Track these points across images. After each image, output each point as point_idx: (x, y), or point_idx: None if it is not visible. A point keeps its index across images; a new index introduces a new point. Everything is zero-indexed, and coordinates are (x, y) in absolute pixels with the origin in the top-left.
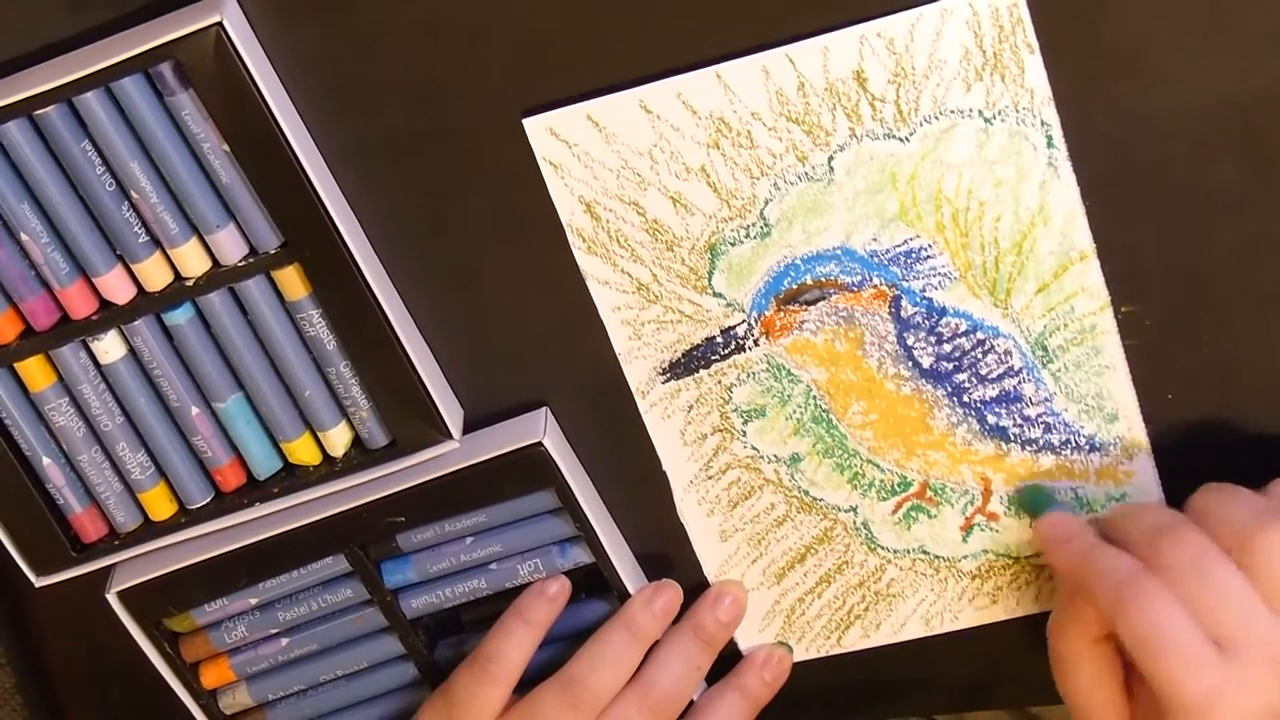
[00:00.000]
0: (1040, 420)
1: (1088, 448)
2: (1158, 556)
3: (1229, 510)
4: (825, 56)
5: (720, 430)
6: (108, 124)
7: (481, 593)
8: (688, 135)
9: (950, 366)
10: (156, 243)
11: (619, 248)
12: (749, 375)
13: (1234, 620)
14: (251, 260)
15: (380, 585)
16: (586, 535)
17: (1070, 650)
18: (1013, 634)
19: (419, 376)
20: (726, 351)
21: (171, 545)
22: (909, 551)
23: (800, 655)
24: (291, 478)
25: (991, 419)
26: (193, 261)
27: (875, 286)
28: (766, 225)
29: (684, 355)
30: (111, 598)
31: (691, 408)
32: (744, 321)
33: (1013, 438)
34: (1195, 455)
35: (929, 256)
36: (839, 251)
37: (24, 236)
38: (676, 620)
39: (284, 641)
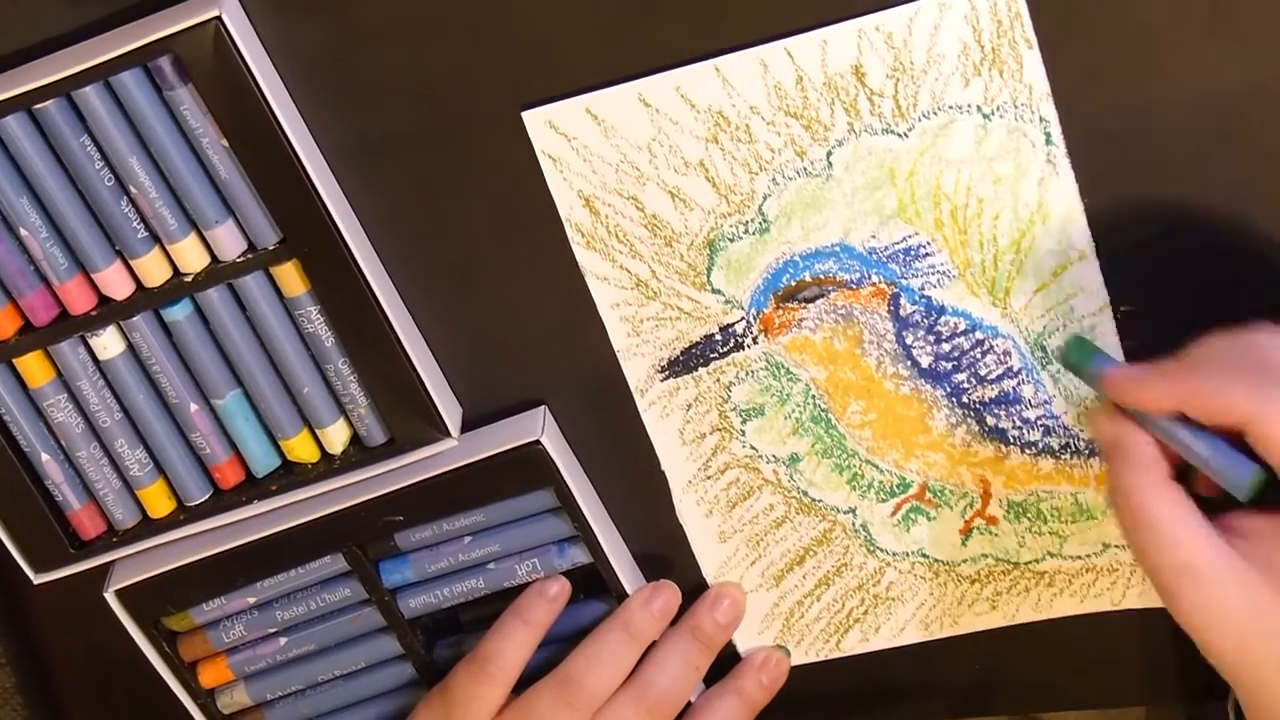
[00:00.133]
0: (1040, 423)
1: (1087, 452)
2: (1274, 362)
3: None
4: (824, 50)
5: (719, 429)
6: (107, 119)
7: (479, 592)
8: (686, 129)
9: (949, 366)
10: (155, 238)
11: (618, 243)
12: (748, 373)
13: None
14: (250, 256)
15: (378, 585)
16: (584, 535)
17: (1141, 495)
18: (1012, 640)
19: (417, 374)
20: (725, 349)
21: (169, 543)
22: (908, 554)
23: (799, 659)
24: (290, 475)
25: (991, 420)
26: (191, 257)
27: (874, 284)
28: (765, 221)
29: (683, 353)
30: (110, 596)
31: (690, 406)
32: (743, 319)
33: (1012, 440)
34: None
35: (928, 254)
36: (838, 248)
37: (23, 232)
38: (674, 622)
39: (282, 641)
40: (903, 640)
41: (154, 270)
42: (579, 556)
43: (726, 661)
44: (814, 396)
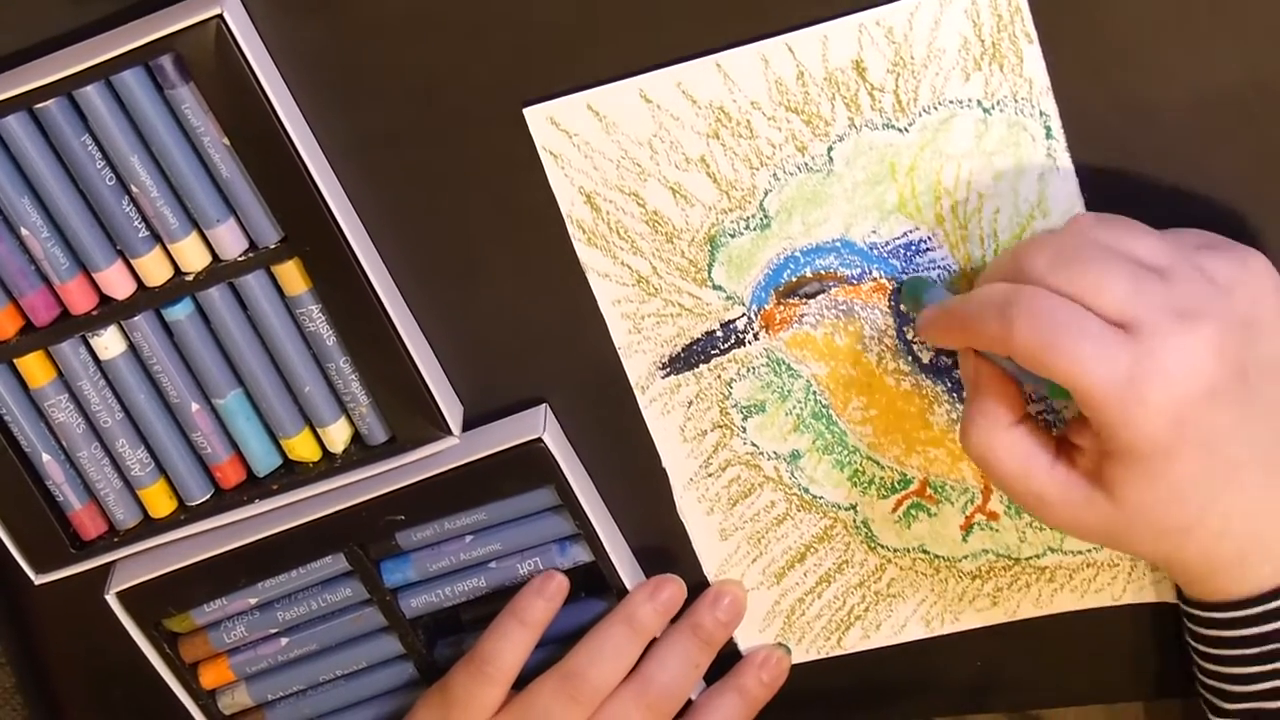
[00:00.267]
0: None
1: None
2: (1022, 270)
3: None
4: (824, 45)
5: (720, 426)
6: (108, 118)
7: (481, 591)
8: (687, 125)
9: (949, 361)
10: (156, 237)
11: (619, 239)
12: (749, 370)
13: (1126, 294)
14: (251, 255)
15: (380, 584)
16: (586, 533)
17: (988, 441)
18: (1013, 636)
19: (419, 372)
20: (726, 345)
21: (170, 544)
22: (909, 551)
23: (800, 656)
24: (291, 474)
25: None
26: (193, 256)
27: (875, 279)
28: (766, 217)
29: (684, 349)
30: (111, 598)
31: (691, 403)
32: (744, 315)
33: None
34: None
35: (928, 249)
36: (839, 243)
37: (24, 231)
38: (675, 619)
39: (283, 641)
40: (904, 637)
41: (155, 269)
42: (580, 555)
43: (727, 659)
44: (815, 393)
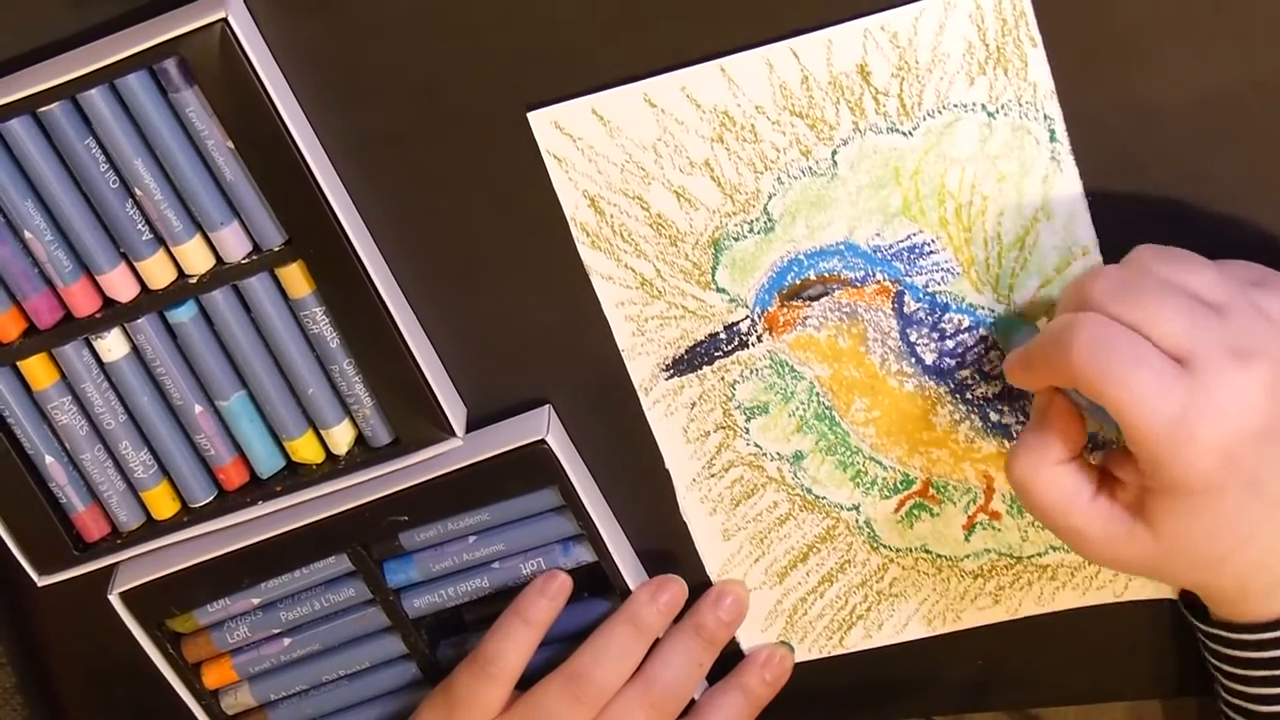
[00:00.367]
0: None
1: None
2: (1084, 299)
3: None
4: (829, 50)
5: (723, 427)
6: (112, 121)
7: (484, 592)
8: (692, 129)
9: (953, 363)
10: (160, 240)
11: (623, 243)
12: (752, 372)
13: (1185, 329)
14: (255, 258)
15: (383, 584)
16: (589, 533)
17: (1031, 475)
18: (1014, 634)
19: (422, 374)
20: (730, 348)
21: (174, 545)
22: (911, 550)
23: (802, 656)
24: (294, 476)
25: (994, 416)
26: (196, 259)
27: (878, 282)
28: (770, 220)
29: (687, 351)
30: (114, 599)
31: (694, 405)
32: (747, 317)
33: (1016, 435)
34: None
35: (932, 252)
36: (842, 247)
37: (27, 234)
38: (678, 619)
39: (286, 641)
40: (906, 636)
41: (159, 272)
42: (583, 555)
43: (730, 659)
44: (818, 394)
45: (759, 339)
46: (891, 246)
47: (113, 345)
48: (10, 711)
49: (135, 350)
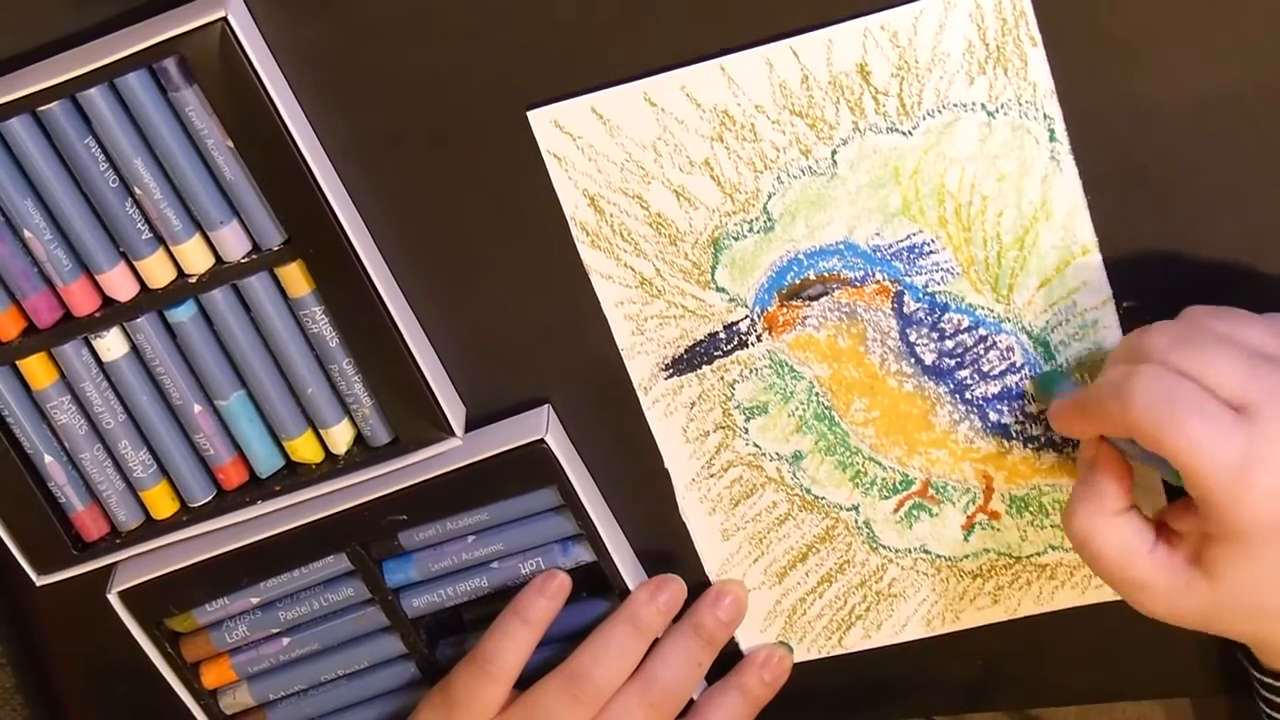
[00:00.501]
0: (1042, 417)
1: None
2: (1142, 352)
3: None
4: (829, 49)
5: (722, 427)
6: (111, 120)
7: (483, 591)
8: (691, 128)
9: (952, 363)
10: (160, 239)
11: (622, 242)
12: (751, 372)
13: (1242, 379)
14: (255, 257)
15: (382, 584)
16: (588, 533)
17: (1090, 526)
18: (1014, 634)
19: (422, 373)
20: (729, 347)
21: (173, 544)
22: (910, 551)
23: (801, 655)
24: (294, 475)
25: (993, 416)
26: (196, 258)
27: (878, 282)
28: (770, 220)
29: (687, 351)
30: (113, 598)
31: (694, 404)
32: (747, 317)
33: (1014, 435)
34: None
35: (932, 251)
36: (842, 246)
37: (27, 233)
38: (677, 619)
39: (285, 641)
40: (905, 636)
41: (158, 271)
42: (582, 555)
43: (729, 659)
44: (817, 394)
45: (758, 339)
46: (891, 246)
47: (112, 344)
48: (10, 711)
49: (134, 349)
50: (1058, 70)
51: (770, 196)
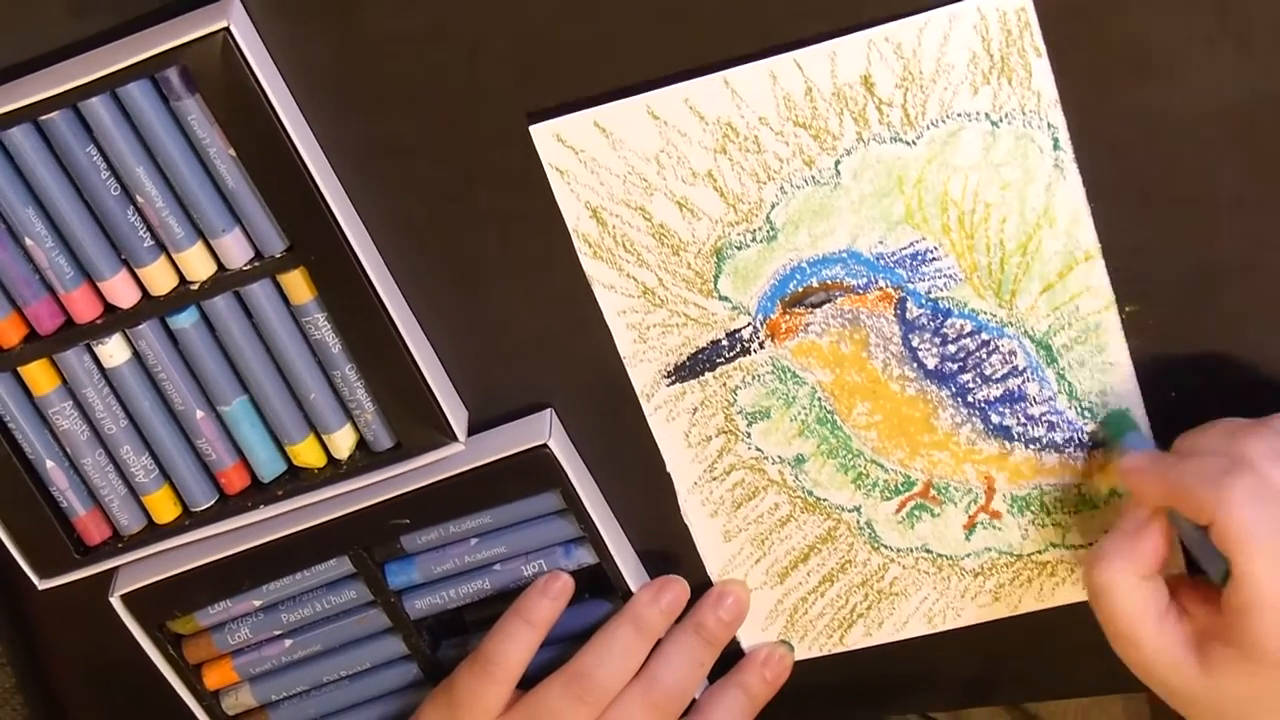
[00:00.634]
0: (1044, 419)
1: (1090, 445)
2: (1243, 452)
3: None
4: (833, 61)
5: (725, 432)
6: (113, 129)
7: (486, 593)
8: (695, 140)
9: (955, 367)
10: (161, 247)
11: (625, 252)
12: (754, 378)
13: None
14: (257, 264)
15: (384, 586)
16: (591, 536)
17: (1116, 583)
18: (1013, 631)
19: (424, 379)
20: (732, 354)
21: (175, 548)
22: (912, 550)
23: (803, 654)
24: (296, 480)
25: (995, 419)
26: (198, 265)
27: (881, 289)
28: (773, 229)
29: (689, 358)
30: (115, 601)
31: (696, 410)
32: (749, 324)
33: (1016, 437)
34: None
35: (935, 258)
36: (845, 254)
37: (28, 241)
38: (679, 619)
39: (287, 643)
40: (906, 634)
41: (160, 279)
42: (585, 557)
43: (730, 657)
44: (820, 399)
45: (761, 345)
46: (894, 254)
47: (114, 351)
48: (10, 711)
49: (137, 356)
50: (1062, 80)
51: (773, 206)
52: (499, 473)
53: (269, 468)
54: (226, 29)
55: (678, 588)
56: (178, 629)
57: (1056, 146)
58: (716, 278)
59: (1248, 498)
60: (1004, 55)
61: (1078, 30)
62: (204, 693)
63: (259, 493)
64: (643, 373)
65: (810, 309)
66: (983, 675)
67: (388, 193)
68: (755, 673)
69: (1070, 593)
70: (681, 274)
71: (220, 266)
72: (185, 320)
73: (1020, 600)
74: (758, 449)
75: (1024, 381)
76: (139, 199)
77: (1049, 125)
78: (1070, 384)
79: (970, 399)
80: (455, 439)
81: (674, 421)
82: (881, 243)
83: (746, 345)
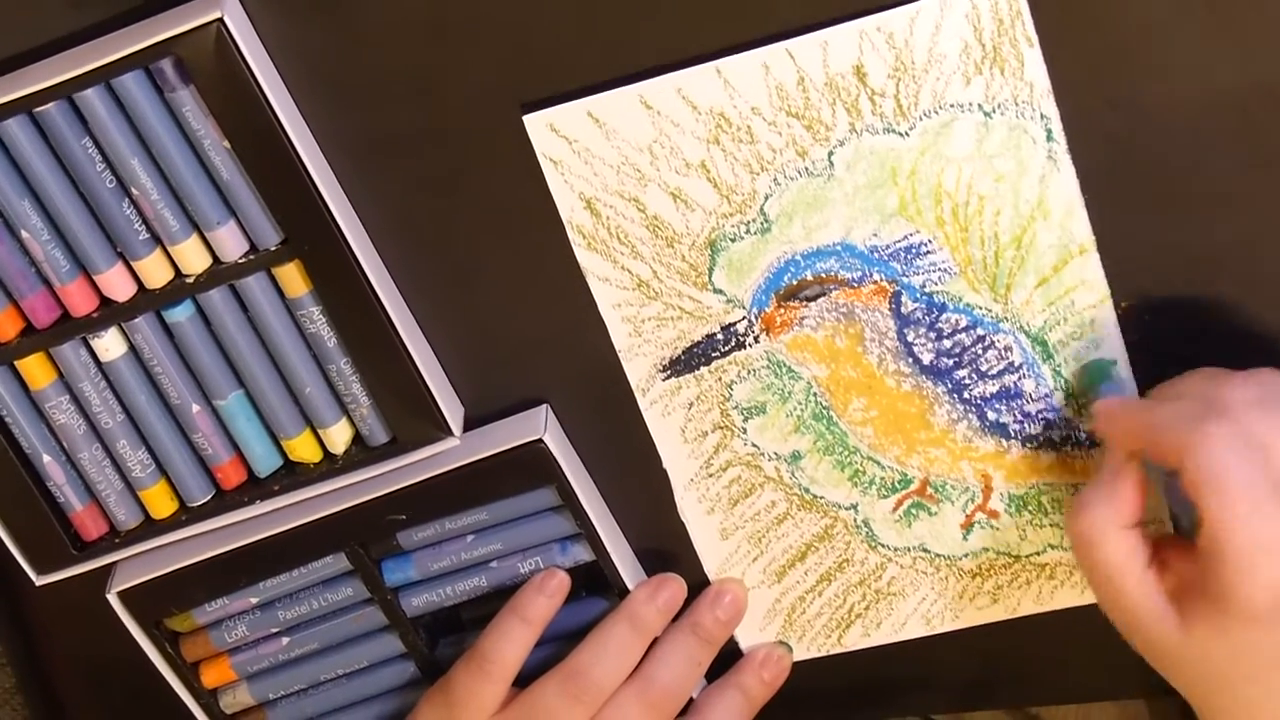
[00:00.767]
0: (1040, 416)
1: (1088, 443)
2: (1222, 397)
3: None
4: (825, 51)
5: (721, 427)
6: (108, 121)
7: (482, 591)
8: (688, 131)
9: (950, 363)
10: (157, 240)
11: (619, 244)
12: (749, 372)
13: None
14: (252, 257)
15: (381, 584)
16: (587, 533)
17: (1096, 531)
18: (1013, 633)
19: (419, 373)
20: (727, 348)
21: (172, 544)
22: (909, 549)
23: (801, 654)
24: (292, 475)
25: (992, 415)
26: (193, 258)
27: (875, 282)
28: (766, 221)
29: (684, 352)
30: (112, 598)
31: (692, 405)
32: (744, 318)
33: (1013, 434)
34: None
35: (929, 251)
36: (839, 247)
37: (24, 234)
38: (676, 618)
39: (285, 640)
40: (904, 635)
41: (156, 272)
42: (581, 554)
43: (728, 658)
44: (815, 394)
45: (756, 339)
46: (888, 247)
47: (110, 345)
48: (10, 711)
49: (133, 349)
50: (1055, 70)
51: (767, 198)
52: (494, 468)
53: (265, 462)
54: (220, 20)
55: (675, 586)
56: (175, 627)
57: (1050, 138)
58: (711, 270)
59: (1220, 444)
60: (996, 45)
61: (1070, 19)
62: (202, 691)
63: (255, 488)
64: (638, 367)
65: (805, 303)
66: (982, 678)
67: (382, 184)
68: (753, 674)
69: (1069, 596)
70: (676, 266)
71: (215, 259)
72: (181, 314)
73: (1019, 603)
74: (754, 445)
75: (1020, 378)
76: (134, 191)
77: (1042, 116)
78: (1066, 381)
79: (966, 395)
80: (451, 434)
81: (670, 416)
82: (876, 235)
83: (741, 339)
